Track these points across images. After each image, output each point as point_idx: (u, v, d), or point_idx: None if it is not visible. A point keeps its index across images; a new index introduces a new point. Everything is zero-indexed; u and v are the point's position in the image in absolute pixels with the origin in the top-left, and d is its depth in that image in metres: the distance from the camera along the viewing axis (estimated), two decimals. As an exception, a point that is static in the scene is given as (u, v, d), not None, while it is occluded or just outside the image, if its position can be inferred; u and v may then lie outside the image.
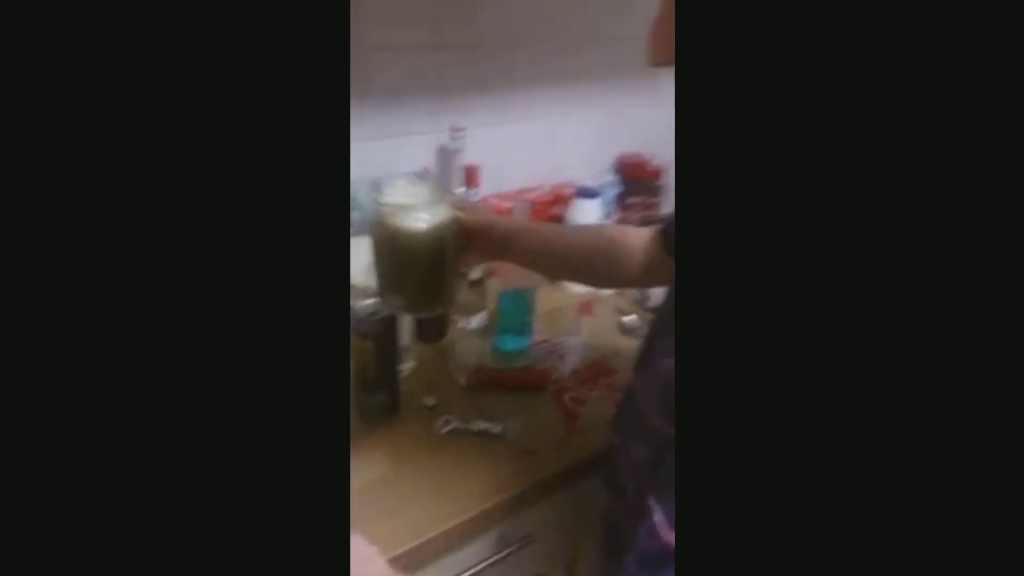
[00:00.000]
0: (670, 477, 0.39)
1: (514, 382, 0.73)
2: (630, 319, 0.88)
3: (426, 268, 0.53)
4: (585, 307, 0.92)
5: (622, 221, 1.12)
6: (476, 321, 0.84)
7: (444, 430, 0.65)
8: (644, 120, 1.13)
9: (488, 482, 0.60)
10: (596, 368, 0.77)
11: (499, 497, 0.58)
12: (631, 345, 0.81)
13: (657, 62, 0.39)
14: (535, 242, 0.63)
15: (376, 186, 0.54)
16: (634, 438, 0.49)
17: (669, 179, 1.11)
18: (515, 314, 0.79)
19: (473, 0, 0.89)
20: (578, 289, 0.96)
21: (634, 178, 1.11)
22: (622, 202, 1.12)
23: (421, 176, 0.57)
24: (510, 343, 0.80)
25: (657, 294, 0.90)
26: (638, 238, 0.65)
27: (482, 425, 0.66)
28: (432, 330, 0.79)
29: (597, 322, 0.89)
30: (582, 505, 0.67)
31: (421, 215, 0.50)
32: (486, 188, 0.97)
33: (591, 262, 0.65)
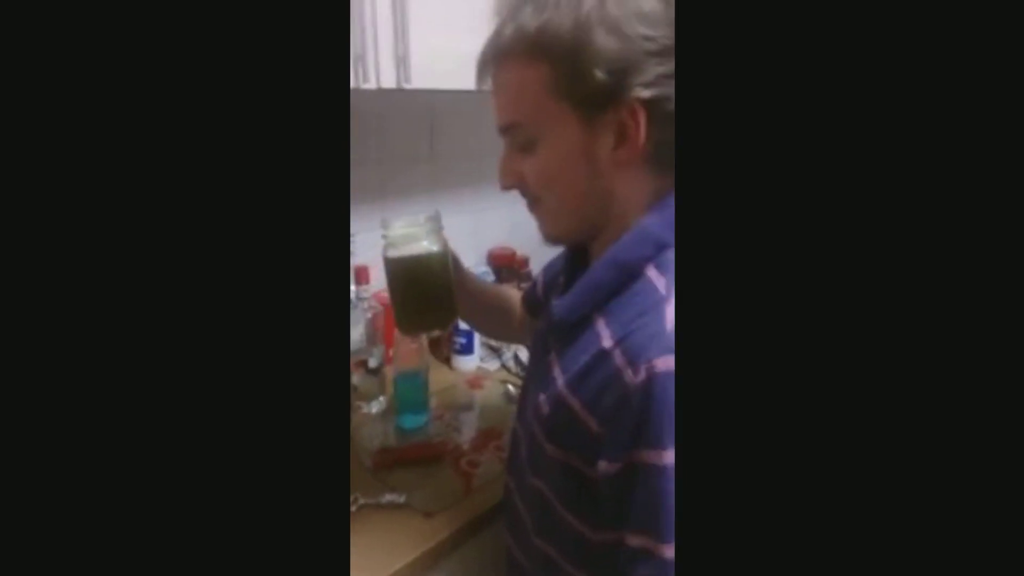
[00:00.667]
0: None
1: (416, 456, 0.81)
2: (514, 388, 1.00)
3: (430, 288, 0.62)
4: (475, 382, 1.04)
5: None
6: (376, 406, 0.92)
7: (353, 508, 0.71)
8: (508, 218, 1.33)
9: (395, 548, 0.66)
10: (487, 434, 0.87)
11: (406, 559, 0.65)
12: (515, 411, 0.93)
13: (505, 187, 0.51)
14: (473, 285, 0.75)
15: (385, 223, 0.61)
16: (515, 475, 0.59)
17: (532, 267, 1.30)
18: (412, 394, 0.88)
19: (359, 126, 1.04)
20: (467, 367, 1.08)
21: (504, 267, 1.28)
22: (498, 291, 1.28)
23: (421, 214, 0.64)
24: (410, 421, 0.88)
25: (534, 364, 1.04)
26: (517, 299, 0.81)
27: (388, 498, 0.72)
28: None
29: (486, 394, 1.00)
30: (485, 556, 0.75)
31: (423, 243, 0.60)
32: (376, 285, 1.08)
33: (502, 312, 0.80)
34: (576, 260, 0.56)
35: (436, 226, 0.62)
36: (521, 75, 0.44)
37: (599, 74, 0.41)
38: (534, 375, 0.57)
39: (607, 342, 0.44)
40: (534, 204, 0.50)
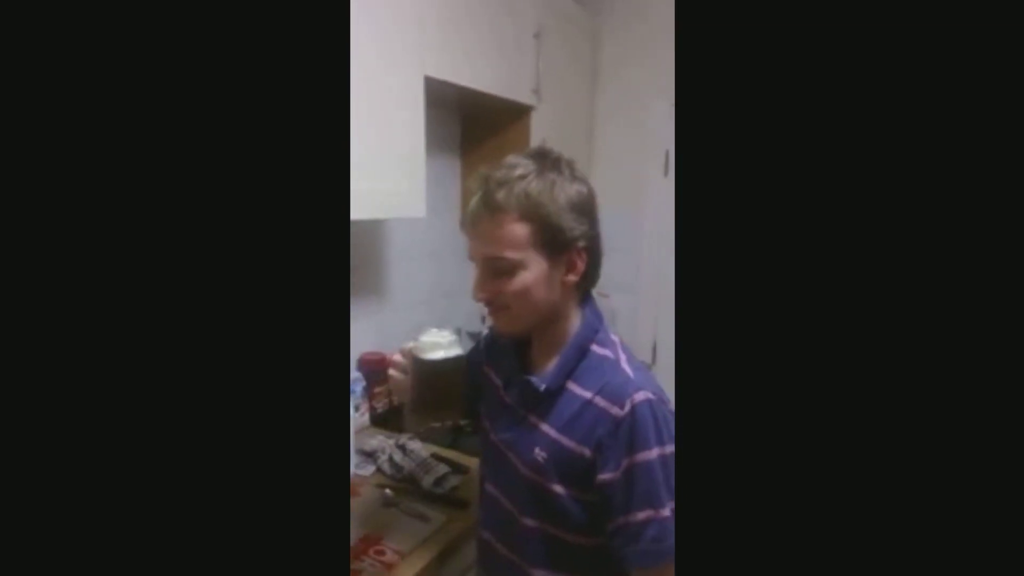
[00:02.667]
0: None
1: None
2: (391, 492, 1.06)
3: (449, 387, 0.73)
4: (351, 490, 1.07)
5: (371, 410, 1.35)
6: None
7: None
8: (375, 326, 1.42)
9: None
10: (366, 540, 0.92)
11: None
12: (394, 515, 0.99)
13: (479, 299, 0.69)
14: None
15: (416, 332, 0.73)
16: (499, 527, 0.75)
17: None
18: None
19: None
20: (342, 476, 1.11)
21: (377, 371, 1.36)
22: (369, 392, 1.35)
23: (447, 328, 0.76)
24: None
25: (407, 466, 1.11)
26: None
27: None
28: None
29: (362, 500, 1.05)
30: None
31: (440, 352, 0.71)
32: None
33: None
34: (520, 349, 0.77)
35: (455, 338, 0.75)
36: (512, 226, 0.65)
37: (566, 234, 0.65)
38: (515, 441, 0.73)
39: (587, 395, 0.66)
40: (500, 311, 0.69)
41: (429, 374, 0.74)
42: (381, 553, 0.89)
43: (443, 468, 1.10)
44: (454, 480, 1.09)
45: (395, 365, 0.77)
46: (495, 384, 0.79)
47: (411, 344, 0.74)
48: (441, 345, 0.73)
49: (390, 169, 1.07)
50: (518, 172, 0.65)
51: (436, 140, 1.51)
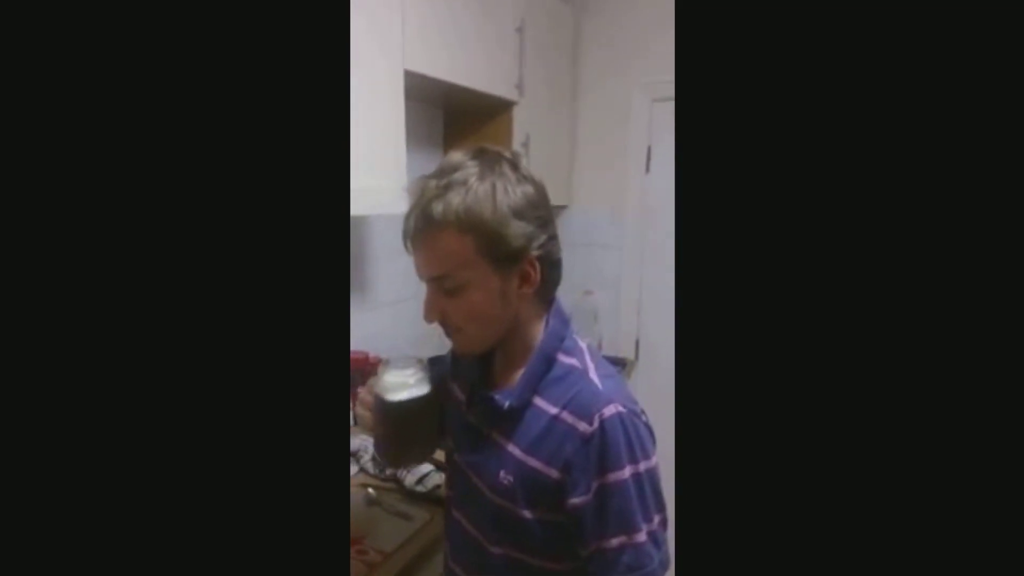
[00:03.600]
0: None
1: None
2: (373, 492, 1.05)
3: (419, 428, 0.67)
4: (332, 491, 1.06)
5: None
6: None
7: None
8: (359, 321, 1.41)
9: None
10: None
11: None
12: (376, 514, 0.98)
13: (430, 321, 0.63)
14: None
15: (383, 369, 0.67)
16: (467, 558, 0.69)
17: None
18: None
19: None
20: (324, 476, 1.10)
21: (359, 370, 1.34)
22: (351, 392, 1.33)
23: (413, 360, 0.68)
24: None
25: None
26: None
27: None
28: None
29: (345, 501, 1.03)
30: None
31: (408, 391, 0.66)
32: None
33: None
34: (483, 361, 0.70)
35: (425, 375, 0.69)
36: (452, 242, 0.58)
37: (512, 244, 0.58)
38: (479, 464, 0.67)
39: (553, 410, 0.61)
40: (456, 332, 0.64)
41: (394, 415, 0.68)
42: (363, 553, 0.88)
43: (426, 466, 1.09)
44: (436, 478, 1.08)
45: (362, 402, 0.71)
46: (458, 399, 0.72)
47: (375, 381, 0.68)
48: (407, 384, 0.67)
49: (371, 164, 1.06)
50: (456, 178, 0.58)
51: (418, 135, 1.49)
